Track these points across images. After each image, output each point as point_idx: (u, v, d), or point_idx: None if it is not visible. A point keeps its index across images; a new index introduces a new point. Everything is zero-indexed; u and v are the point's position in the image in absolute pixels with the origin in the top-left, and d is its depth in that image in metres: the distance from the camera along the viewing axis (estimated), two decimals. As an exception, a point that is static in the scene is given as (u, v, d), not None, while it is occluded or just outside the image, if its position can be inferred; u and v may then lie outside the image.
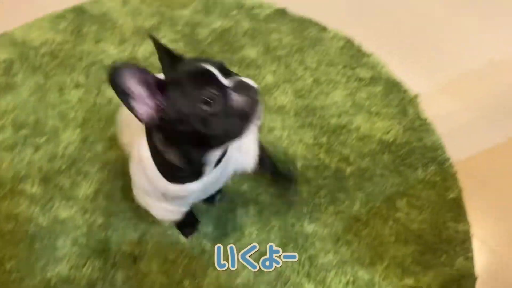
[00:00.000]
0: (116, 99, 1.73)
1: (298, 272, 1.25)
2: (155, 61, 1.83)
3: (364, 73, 1.71)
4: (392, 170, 1.43)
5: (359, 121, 1.56)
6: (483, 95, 1.64)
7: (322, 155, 1.49)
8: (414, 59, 1.78)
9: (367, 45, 1.81)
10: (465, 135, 1.53)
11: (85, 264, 1.32)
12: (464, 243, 1.26)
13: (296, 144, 1.53)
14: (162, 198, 1.04)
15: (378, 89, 1.65)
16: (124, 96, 0.79)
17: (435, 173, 1.41)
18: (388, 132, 1.52)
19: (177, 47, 1.88)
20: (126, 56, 1.88)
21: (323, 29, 1.89)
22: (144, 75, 0.80)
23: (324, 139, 1.53)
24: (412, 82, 1.66)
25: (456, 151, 1.46)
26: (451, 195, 1.36)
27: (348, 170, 1.45)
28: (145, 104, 0.81)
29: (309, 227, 1.33)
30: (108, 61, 1.87)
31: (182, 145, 0.88)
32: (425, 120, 1.54)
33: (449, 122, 1.55)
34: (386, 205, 1.36)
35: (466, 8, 1.98)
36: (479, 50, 1.79)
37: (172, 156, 0.91)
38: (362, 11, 2.01)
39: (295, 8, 2.00)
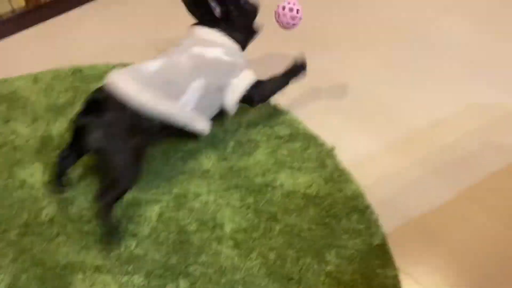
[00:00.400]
0: (29, 181, 1.65)
1: None
2: (67, 138, 1.77)
3: (283, 131, 1.77)
4: (319, 223, 1.46)
5: (283, 178, 1.60)
6: (425, 154, 1.71)
7: (250, 216, 1.49)
8: (343, 117, 1.84)
9: (283, 103, 1.88)
10: (409, 194, 1.57)
11: None
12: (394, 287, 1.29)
13: (224, 208, 1.52)
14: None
15: (298, 145, 1.71)
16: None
17: (358, 221, 1.46)
18: (310, 186, 1.56)
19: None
20: (40, 134, 1.80)
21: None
22: None
23: (251, 200, 1.53)
24: (338, 139, 1.72)
25: (401, 211, 1.51)
26: (376, 241, 1.40)
27: (277, 228, 1.45)
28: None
29: (243, 294, 1.30)
30: (19, 141, 1.77)
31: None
32: (343, 170, 1.60)
33: (390, 183, 1.61)
34: (317, 260, 1.36)
35: (401, 66, 2.11)
36: (419, 109, 1.88)
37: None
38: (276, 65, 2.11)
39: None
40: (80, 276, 1.37)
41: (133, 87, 1.41)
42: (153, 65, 1.50)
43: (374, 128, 1.81)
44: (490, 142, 1.74)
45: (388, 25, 2.35)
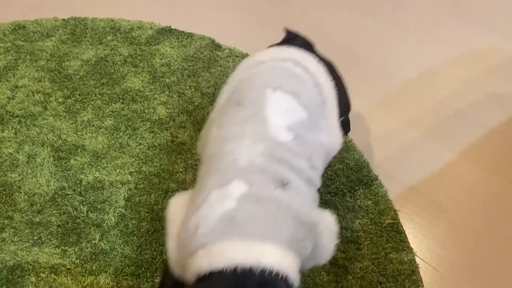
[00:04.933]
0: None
1: None
2: (13, 108, 1.47)
3: (269, 92, 1.50)
4: (319, 201, 1.23)
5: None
6: (418, 111, 1.51)
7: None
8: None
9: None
10: (406, 157, 1.38)
11: None
12: (412, 275, 1.09)
13: (204, 187, 1.27)
14: None
15: (287, 108, 1.45)
16: None
17: (364, 197, 1.24)
18: (306, 157, 1.33)
19: (42, 87, 1.53)
20: (-25, 105, 1.48)
21: (217, 46, 1.67)
22: None
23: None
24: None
25: (398, 178, 1.31)
26: (387, 220, 1.19)
27: (269, 209, 1.22)
28: None
29: None
30: (-50, 115, 1.46)
31: None
32: (345, 138, 1.37)
33: (385, 145, 1.40)
34: (319, 246, 1.15)
35: (387, 14, 1.87)
36: (407, 63, 1.67)
37: None
38: (262, 23, 1.83)
39: (182, 26, 1.75)
40: (32, 279, 1.12)
41: None
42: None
43: (361, 84, 1.58)
44: (488, 93, 1.55)
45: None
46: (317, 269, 1.11)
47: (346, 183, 1.27)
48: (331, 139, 0.98)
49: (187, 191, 0.89)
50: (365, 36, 1.77)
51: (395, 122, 1.47)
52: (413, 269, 1.11)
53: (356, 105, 1.48)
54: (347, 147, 1.34)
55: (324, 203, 1.23)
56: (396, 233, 1.17)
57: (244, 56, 1.62)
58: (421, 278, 1.10)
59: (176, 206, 0.84)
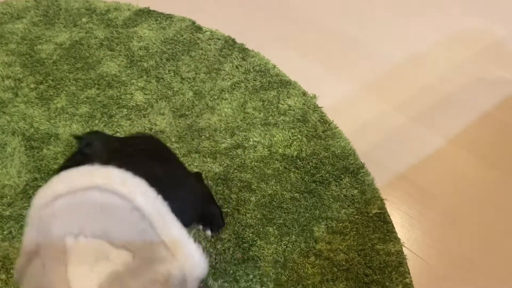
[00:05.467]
0: None
1: None
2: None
3: (253, 77, 1.45)
4: (303, 191, 1.19)
5: (256, 136, 1.30)
6: (406, 95, 1.46)
7: (219, 187, 1.20)
8: (315, 56, 1.56)
9: (251, 44, 1.55)
10: (394, 144, 1.33)
11: None
12: (399, 266, 1.06)
13: (185, 177, 1.21)
14: None
15: (272, 94, 1.40)
16: None
17: (350, 186, 1.20)
18: (290, 145, 1.28)
19: (13, 72, 1.45)
20: None
21: (198, 29, 1.59)
22: None
23: (217, 166, 1.24)
24: (316, 83, 1.43)
25: (385, 164, 1.26)
26: (374, 210, 1.15)
27: (253, 199, 1.17)
28: None
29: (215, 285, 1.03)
30: None
31: None
32: (329, 124, 1.32)
33: (372, 131, 1.35)
34: (303, 237, 1.11)
35: (377, 1, 1.81)
36: (394, 46, 1.62)
37: None
38: (245, 4, 1.75)
39: (161, 7, 1.67)
40: (2, 276, 1.06)
41: None
42: None
43: (347, 67, 1.53)
44: (478, 76, 1.51)
45: None
46: (301, 261, 1.07)
47: (332, 171, 1.23)
48: (187, 263, 0.74)
49: None
50: (352, 18, 1.71)
51: (383, 107, 1.42)
52: (401, 261, 1.07)
53: (342, 89, 1.44)
54: (333, 134, 1.29)
55: (308, 192, 1.19)
56: (383, 223, 1.13)
57: (226, 39, 1.55)
58: (409, 270, 1.06)
59: None
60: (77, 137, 0.91)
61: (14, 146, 1.28)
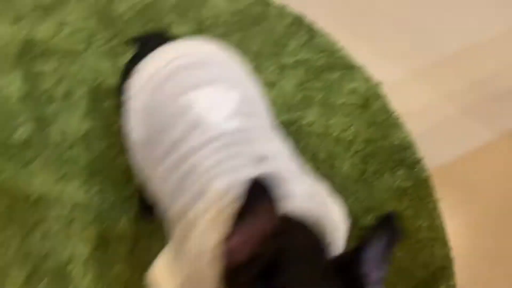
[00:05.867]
0: (5, 92, 1.37)
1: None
2: (57, 43, 1.47)
3: (317, 57, 1.42)
4: (355, 179, 1.16)
5: (312, 116, 1.28)
6: (461, 85, 1.39)
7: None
8: (377, 42, 1.51)
9: (320, 24, 1.52)
10: (444, 133, 1.28)
11: None
12: (444, 268, 1.01)
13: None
14: None
15: (334, 76, 1.37)
16: None
17: (404, 179, 1.16)
18: (347, 129, 1.25)
19: (88, 25, 1.51)
20: (22, 38, 1.48)
21: (267, 4, 1.59)
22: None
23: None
24: (376, 69, 1.38)
25: (433, 154, 1.21)
26: (426, 206, 1.10)
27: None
28: None
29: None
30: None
31: None
32: (391, 113, 1.27)
33: (421, 119, 1.30)
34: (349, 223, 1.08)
35: None
36: (454, 34, 1.55)
37: None
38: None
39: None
40: (55, 211, 1.12)
41: None
42: None
43: (401, 52, 1.48)
44: None
45: None
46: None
47: (387, 161, 1.18)
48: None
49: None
50: (410, 6, 1.65)
51: (434, 95, 1.37)
52: (446, 261, 1.02)
53: (393, 75, 1.39)
54: (394, 124, 1.25)
55: (361, 181, 1.15)
56: (435, 223, 1.08)
57: (295, 17, 1.53)
58: (453, 272, 1.01)
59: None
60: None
61: (81, 94, 1.34)
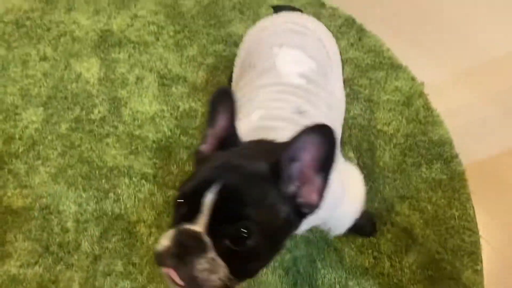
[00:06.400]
0: (85, 75, 1.56)
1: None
2: (130, 34, 1.64)
3: (365, 56, 1.52)
4: (394, 169, 1.26)
5: (357, 110, 1.39)
6: (503, 88, 1.46)
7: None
8: (423, 44, 1.60)
9: (369, 25, 1.62)
10: (481, 132, 1.35)
11: (36, 263, 1.15)
12: (472, 254, 1.10)
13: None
14: None
15: (381, 74, 1.47)
16: None
17: (440, 172, 1.24)
18: (389, 123, 1.35)
19: (157, 19, 1.68)
20: (100, 28, 1.67)
21: (322, 4, 1.70)
22: None
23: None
24: (419, 69, 1.47)
25: (470, 150, 1.29)
26: (461, 197, 1.19)
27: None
28: None
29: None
30: (79, 33, 1.66)
31: None
32: (432, 111, 1.36)
33: (462, 118, 1.38)
34: (385, 206, 1.19)
35: None
36: (498, 39, 1.61)
37: None
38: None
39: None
40: (126, 180, 1.29)
41: None
42: None
43: (445, 54, 1.56)
44: None
45: None
46: (378, 226, 1.15)
47: (425, 155, 1.28)
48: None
49: None
50: (459, 8, 1.71)
51: (474, 96, 1.44)
52: (474, 249, 1.11)
53: (439, 74, 1.47)
54: (434, 121, 1.34)
55: (399, 171, 1.25)
56: (465, 212, 1.17)
57: (347, 18, 1.64)
58: (481, 258, 1.10)
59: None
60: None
61: (150, 80, 1.51)
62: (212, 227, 0.63)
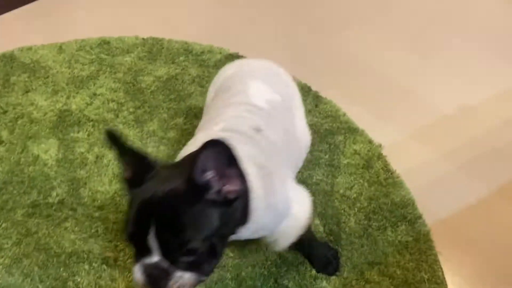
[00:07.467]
0: (43, 157, 1.52)
1: None
2: (89, 113, 1.64)
3: (323, 121, 1.56)
4: (360, 234, 1.25)
5: (319, 175, 1.40)
6: (456, 145, 1.51)
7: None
8: (377, 107, 1.66)
9: (324, 92, 1.67)
10: (440, 190, 1.38)
11: None
12: (445, 318, 1.08)
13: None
14: None
15: (339, 138, 1.50)
16: None
17: (406, 233, 1.25)
18: (351, 187, 1.36)
19: (117, 96, 1.69)
20: (59, 108, 1.66)
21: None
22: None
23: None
24: (376, 131, 1.52)
25: (432, 209, 1.30)
26: (427, 259, 1.19)
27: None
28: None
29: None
30: (37, 114, 1.65)
31: None
32: (392, 172, 1.39)
33: (421, 177, 1.41)
34: (354, 274, 1.17)
35: (431, 52, 1.91)
36: (447, 98, 1.70)
37: None
38: (318, 57, 1.91)
39: (248, 53, 1.86)
40: (86, 266, 1.23)
41: None
42: None
43: (399, 115, 1.63)
44: None
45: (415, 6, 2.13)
46: (350, 297, 1.12)
47: (389, 217, 1.28)
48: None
49: None
50: (406, 70, 1.82)
51: (431, 154, 1.49)
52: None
53: (393, 135, 1.52)
54: (394, 183, 1.36)
55: (365, 236, 1.25)
56: (434, 274, 1.16)
57: (303, 86, 1.70)
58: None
59: None
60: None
61: (110, 158, 1.48)
62: (165, 253, 0.75)
